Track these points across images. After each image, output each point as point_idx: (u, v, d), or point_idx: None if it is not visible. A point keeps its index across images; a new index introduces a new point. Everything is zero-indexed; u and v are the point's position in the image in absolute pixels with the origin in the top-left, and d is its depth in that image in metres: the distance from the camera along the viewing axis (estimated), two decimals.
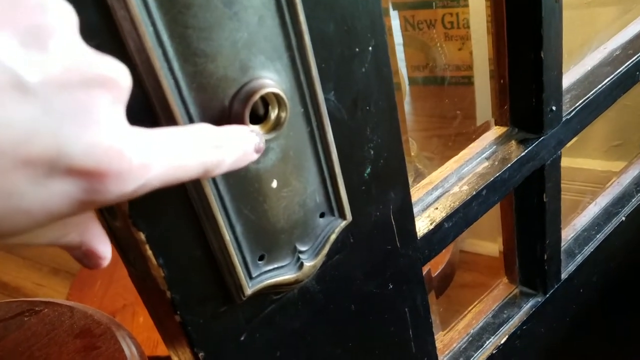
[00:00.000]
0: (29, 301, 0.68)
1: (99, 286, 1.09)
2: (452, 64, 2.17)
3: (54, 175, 0.17)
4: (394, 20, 2.27)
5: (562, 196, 0.60)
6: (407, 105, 2.36)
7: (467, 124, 1.68)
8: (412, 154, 1.27)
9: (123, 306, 1.01)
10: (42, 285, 2.22)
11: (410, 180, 0.42)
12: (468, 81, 2.02)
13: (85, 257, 0.23)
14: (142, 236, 0.28)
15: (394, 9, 2.25)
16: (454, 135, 1.61)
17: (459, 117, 1.78)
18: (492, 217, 0.64)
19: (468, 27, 1.92)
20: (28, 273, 2.30)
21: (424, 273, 0.47)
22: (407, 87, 2.37)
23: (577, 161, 1.51)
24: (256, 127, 0.29)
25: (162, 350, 0.90)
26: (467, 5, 1.87)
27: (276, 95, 0.29)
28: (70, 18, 0.18)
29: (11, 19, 0.16)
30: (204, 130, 0.23)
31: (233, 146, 0.24)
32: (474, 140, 0.54)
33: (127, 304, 1.02)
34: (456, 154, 0.54)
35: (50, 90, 0.16)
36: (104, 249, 0.23)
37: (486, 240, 1.69)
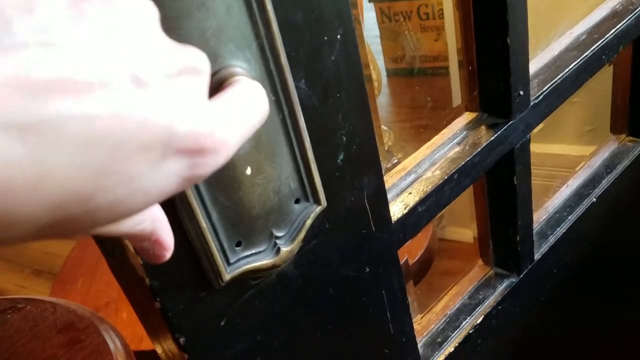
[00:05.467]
0: (11, 299, 0.68)
1: (81, 284, 1.08)
2: (428, 55, 2.19)
3: (166, 156, 0.18)
4: (371, 13, 2.28)
5: (539, 181, 0.61)
6: (385, 96, 2.37)
7: (443, 113, 1.70)
8: (390, 143, 1.28)
9: (106, 303, 1.01)
10: (24, 287, 2.20)
11: (387, 169, 0.43)
12: (445, 71, 2.04)
13: (153, 248, 0.23)
14: None
15: (370, 1, 2.26)
16: (431, 125, 1.63)
17: (436, 107, 1.80)
18: (472, 205, 0.65)
19: (443, 17, 1.94)
20: (9, 275, 2.28)
21: (401, 262, 0.48)
22: (386, 79, 2.38)
23: (553, 147, 1.54)
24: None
25: (146, 344, 0.90)
26: None
27: None
28: (155, 15, 0.20)
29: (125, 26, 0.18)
30: (235, 96, 0.24)
31: (256, 102, 0.24)
32: (450, 121, 0.56)
33: (110, 300, 1.02)
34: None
35: (158, 81, 0.18)
36: (170, 239, 0.24)
37: (466, 227, 1.71)
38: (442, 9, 2.00)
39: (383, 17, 2.23)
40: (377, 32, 2.28)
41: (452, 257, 1.72)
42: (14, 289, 2.19)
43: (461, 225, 1.74)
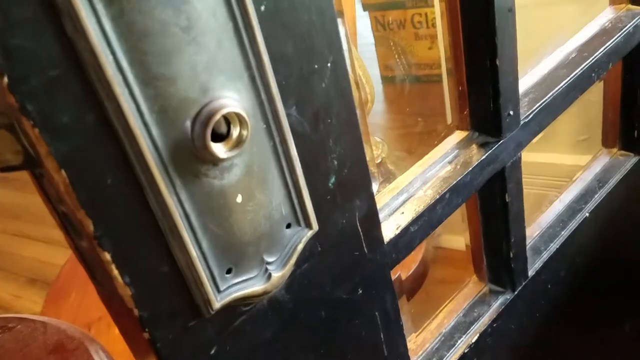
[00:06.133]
0: (2, 318, 0.68)
1: (74, 298, 1.08)
2: (422, 63, 2.20)
3: None
4: (365, 20, 2.29)
5: (533, 191, 0.61)
6: (380, 104, 2.38)
7: (437, 121, 1.71)
8: (384, 155, 1.28)
9: (99, 318, 1.01)
10: (19, 296, 2.19)
11: (380, 182, 0.43)
12: (438, 79, 2.05)
13: None
14: (108, 256, 0.28)
15: (364, 10, 2.27)
16: (425, 133, 1.63)
17: (430, 114, 1.81)
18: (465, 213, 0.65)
19: (436, 26, 1.95)
20: (4, 284, 2.27)
21: (393, 278, 0.48)
22: (381, 86, 2.39)
23: (546, 156, 1.54)
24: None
25: None
26: (434, 5, 1.90)
27: (237, 114, 0.30)
28: None
29: None
30: None
31: None
32: (443, 138, 0.56)
33: (102, 315, 1.01)
34: (427, 151, 0.55)
35: None
36: None
37: (460, 235, 1.72)
38: (435, 18, 2.01)
39: (377, 25, 2.24)
40: (372, 39, 2.30)
41: (446, 264, 1.72)
42: (9, 298, 2.19)
43: (455, 232, 1.74)
